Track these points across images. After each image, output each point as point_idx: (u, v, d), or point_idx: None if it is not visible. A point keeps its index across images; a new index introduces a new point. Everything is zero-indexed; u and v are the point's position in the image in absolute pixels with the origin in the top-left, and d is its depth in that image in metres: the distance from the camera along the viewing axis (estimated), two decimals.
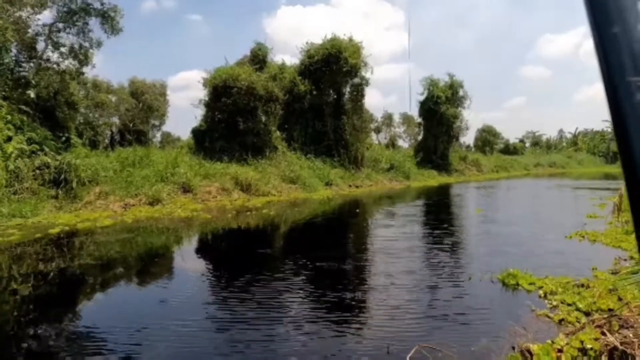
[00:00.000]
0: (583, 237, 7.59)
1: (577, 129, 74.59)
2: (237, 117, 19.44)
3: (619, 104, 0.21)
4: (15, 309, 4.62)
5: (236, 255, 7.30)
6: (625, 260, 5.70)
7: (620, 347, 3.04)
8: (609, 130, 58.90)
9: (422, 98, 32.80)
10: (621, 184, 5.84)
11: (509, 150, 57.23)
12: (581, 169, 53.01)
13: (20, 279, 5.69)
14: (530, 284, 4.85)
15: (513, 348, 3.25)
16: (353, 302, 4.46)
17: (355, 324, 3.91)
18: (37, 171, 12.16)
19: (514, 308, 4.23)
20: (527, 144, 67.90)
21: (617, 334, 3.23)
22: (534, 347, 3.08)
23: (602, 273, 5.03)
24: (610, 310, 3.73)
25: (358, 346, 3.40)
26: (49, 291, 5.32)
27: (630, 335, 3.17)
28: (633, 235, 5.48)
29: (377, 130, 49.92)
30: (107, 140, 28.04)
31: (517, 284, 4.89)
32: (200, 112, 21.10)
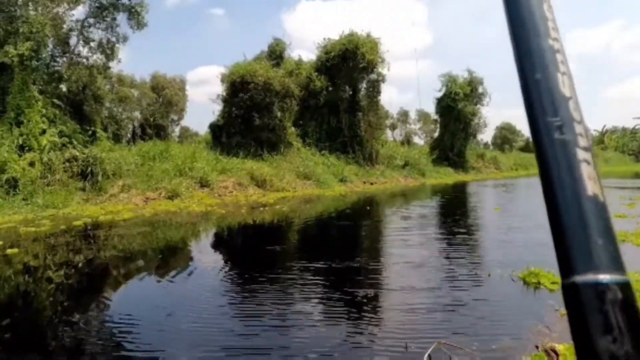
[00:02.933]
0: None
1: (604, 126, 72.30)
2: (253, 113, 19.54)
3: (541, 140, 0.24)
4: (35, 294, 4.77)
5: (246, 251, 7.31)
6: None
7: None
8: None
9: (439, 94, 32.37)
10: None
11: (529, 147, 56.11)
12: (608, 167, 51.39)
13: (44, 267, 5.90)
14: (553, 283, 4.70)
15: (537, 347, 3.15)
16: (368, 300, 4.41)
17: (372, 321, 3.86)
18: (67, 164, 12.59)
19: (536, 307, 4.11)
20: None
21: None
22: (560, 347, 2.98)
23: (632, 274, 4.84)
24: None
25: (375, 343, 3.36)
26: (64, 280, 5.45)
27: None
28: None
29: (393, 127, 49.57)
30: (129, 134, 28.57)
31: (539, 283, 4.75)
32: (217, 107, 21.35)
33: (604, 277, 0.19)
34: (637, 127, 62.58)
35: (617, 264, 0.20)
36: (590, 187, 0.20)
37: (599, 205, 0.20)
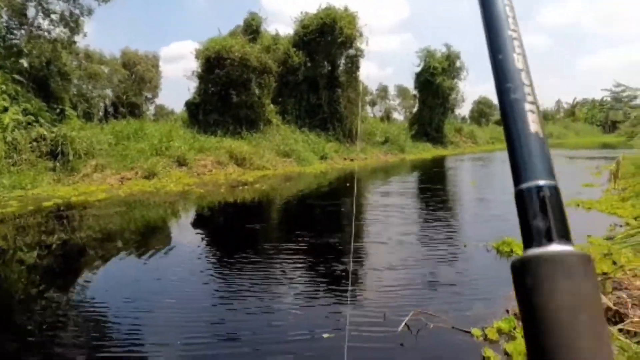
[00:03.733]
0: (578, 205, 7.62)
1: (575, 99, 73.81)
2: (230, 90, 19.10)
3: (502, 98, 0.34)
4: None
5: (226, 230, 7.28)
6: (620, 226, 5.75)
7: (614, 308, 3.10)
8: (609, 99, 57.66)
9: (417, 70, 32.32)
10: (618, 153, 5.81)
11: None
12: (578, 139, 52.94)
13: (8, 249, 5.73)
14: None
15: (507, 311, 3.29)
16: (346, 273, 4.48)
17: (351, 294, 3.93)
18: (34, 143, 12.02)
19: (508, 275, 4.20)
20: None
21: (610, 295, 3.29)
22: None
23: (597, 239, 5.08)
24: (604, 273, 3.78)
25: (354, 313, 3.43)
26: (26, 262, 5.32)
27: (624, 295, 3.24)
28: (629, 202, 5.48)
29: (372, 103, 49.49)
30: (101, 113, 27.44)
31: (512, 252, 4.94)
32: (193, 84, 20.75)
33: (541, 182, 0.28)
34: (605, 99, 63.89)
35: (550, 174, 0.29)
36: (533, 127, 0.29)
37: (538, 138, 0.29)
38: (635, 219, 5.67)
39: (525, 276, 0.26)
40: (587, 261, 0.25)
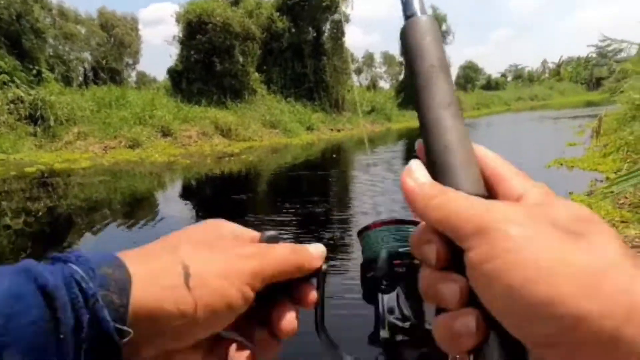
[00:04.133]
0: (561, 164, 7.79)
1: (561, 57, 72.75)
2: (213, 57, 18.56)
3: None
4: None
5: (212, 200, 7.25)
6: (601, 181, 5.94)
7: None
8: (594, 55, 56.00)
9: None
10: (602, 110, 5.87)
11: (491, 86, 56.84)
12: (563, 99, 53.07)
13: None
14: None
15: None
16: (335, 241, 4.54)
17: (340, 259, 4.01)
18: (12, 105, 11.53)
19: None
20: (509, 78, 67.09)
21: None
22: None
23: (577, 196, 5.24)
24: None
25: (344, 276, 3.51)
26: (13, 228, 5.27)
27: None
28: (610, 157, 5.58)
29: (358, 71, 48.76)
30: (80, 78, 26.24)
31: None
32: (175, 50, 20.04)
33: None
34: (590, 55, 61.78)
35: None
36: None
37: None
38: (616, 172, 5.83)
39: (402, 36, 0.35)
40: (433, 21, 0.34)
